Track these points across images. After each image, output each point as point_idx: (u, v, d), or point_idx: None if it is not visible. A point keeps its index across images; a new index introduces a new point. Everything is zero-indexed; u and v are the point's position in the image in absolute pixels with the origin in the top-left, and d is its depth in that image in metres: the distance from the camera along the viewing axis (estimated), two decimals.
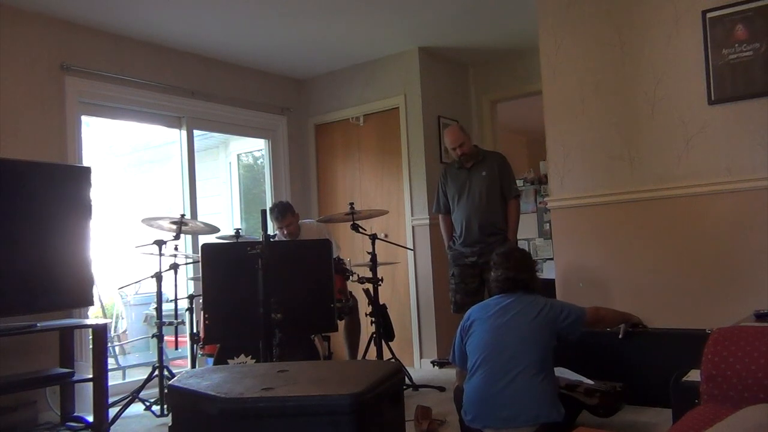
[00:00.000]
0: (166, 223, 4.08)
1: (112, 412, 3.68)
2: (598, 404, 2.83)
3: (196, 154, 5.07)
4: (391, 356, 4.32)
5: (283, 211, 4.39)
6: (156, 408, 3.87)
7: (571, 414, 2.76)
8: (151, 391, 4.00)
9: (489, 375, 2.65)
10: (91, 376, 3.58)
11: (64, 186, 3.71)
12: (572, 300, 3.76)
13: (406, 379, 4.13)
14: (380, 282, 4.18)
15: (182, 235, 4.19)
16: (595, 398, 2.83)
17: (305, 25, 4.52)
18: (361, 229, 4.22)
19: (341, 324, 4.26)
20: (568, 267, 3.82)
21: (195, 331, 4.10)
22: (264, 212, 2.90)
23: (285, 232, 4.37)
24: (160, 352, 3.95)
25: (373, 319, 4.14)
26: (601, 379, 3.05)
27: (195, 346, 4.06)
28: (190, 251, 4.77)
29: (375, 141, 5.46)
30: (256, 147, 6.18)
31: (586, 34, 3.75)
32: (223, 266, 3.21)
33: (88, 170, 3.86)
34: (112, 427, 3.60)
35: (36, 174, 3.62)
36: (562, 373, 3.03)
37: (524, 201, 5.69)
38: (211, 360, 3.89)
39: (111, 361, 5.05)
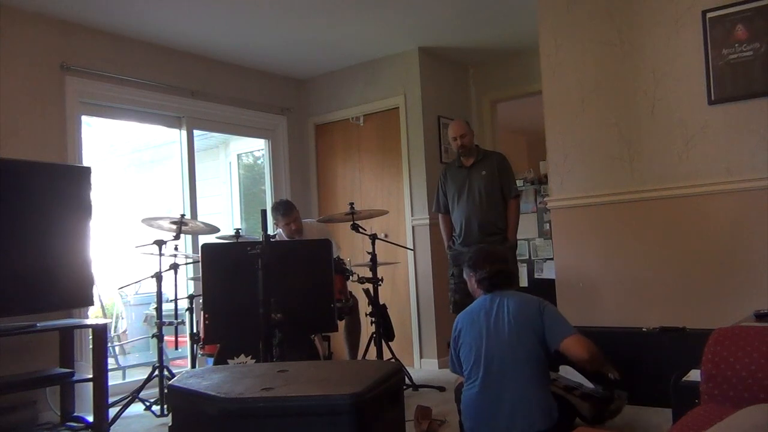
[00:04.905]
0: (166, 223, 4.08)
1: (112, 412, 3.68)
2: (589, 411, 2.75)
3: (196, 154, 5.07)
4: (391, 356, 4.32)
5: (289, 206, 4.41)
6: (156, 408, 3.87)
7: (569, 417, 2.74)
8: (151, 391, 4.00)
9: (481, 386, 2.63)
10: (91, 376, 3.58)
11: (64, 186, 3.71)
12: (572, 300, 3.78)
13: (406, 379, 4.13)
14: (380, 282, 4.18)
15: (182, 235, 4.19)
16: (587, 403, 2.79)
17: (305, 25, 4.51)
18: (361, 229, 4.22)
19: (341, 324, 4.26)
20: (568, 267, 3.82)
21: (195, 331, 4.10)
22: (264, 212, 2.90)
23: (293, 228, 4.37)
24: (160, 352, 3.95)
25: (373, 319, 4.14)
26: (603, 382, 3.01)
27: (195, 346, 4.06)
28: (190, 251, 4.77)
29: (375, 141, 5.46)
30: (256, 147, 6.18)
31: (586, 34, 3.75)
32: (223, 266, 3.21)
33: (88, 170, 3.86)
34: (112, 427, 3.60)
35: (36, 174, 3.62)
36: (566, 372, 3.02)
37: (524, 201, 5.68)
38: (211, 360, 3.88)
39: (111, 361, 5.05)
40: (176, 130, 5.03)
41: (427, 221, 5.03)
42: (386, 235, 5.03)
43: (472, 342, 2.70)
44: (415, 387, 4.18)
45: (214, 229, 4.33)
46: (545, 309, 2.67)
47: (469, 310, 2.83)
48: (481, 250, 2.96)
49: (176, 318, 4.10)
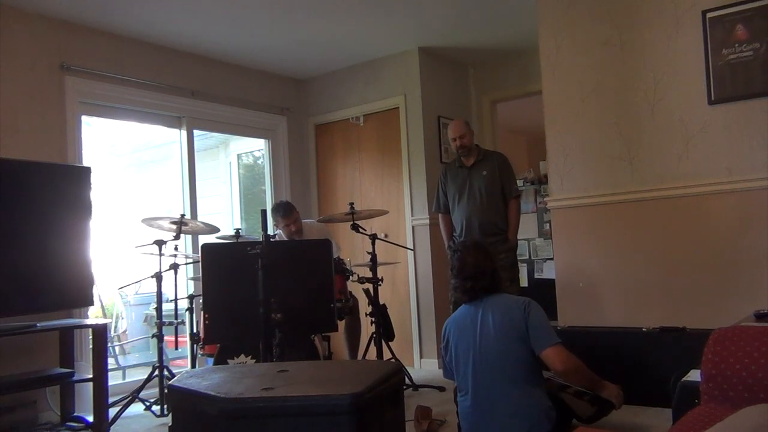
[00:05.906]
0: (166, 223, 4.08)
1: (112, 412, 3.68)
2: (583, 408, 2.74)
3: (196, 154, 5.07)
4: (391, 356, 4.32)
5: (289, 208, 4.41)
6: (156, 408, 3.87)
7: (565, 416, 2.73)
8: (151, 391, 4.00)
9: (474, 399, 2.63)
10: (91, 376, 3.58)
11: (64, 186, 3.71)
12: (572, 300, 3.78)
13: (406, 379, 4.12)
14: (380, 282, 4.18)
15: (182, 235, 4.19)
16: (583, 401, 2.78)
17: (305, 25, 4.51)
18: (361, 229, 4.22)
19: (341, 324, 4.26)
20: (568, 267, 3.82)
21: (195, 331, 4.10)
22: (264, 212, 2.90)
23: (293, 229, 4.37)
24: (160, 352, 3.95)
25: (373, 319, 4.14)
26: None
27: (195, 346, 4.06)
28: (190, 251, 4.77)
29: (375, 141, 5.46)
30: (256, 147, 6.18)
31: (586, 34, 3.75)
32: (223, 266, 3.21)
33: (88, 170, 3.86)
34: (112, 427, 3.60)
35: (36, 174, 3.62)
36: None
37: (524, 201, 5.69)
38: (211, 360, 3.88)
39: (111, 361, 5.05)
40: (176, 130, 5.03)
41: (427, 221, 5.03)
42: (386, 235, 5.03)
43: (460, 354, 2.71)
44: (415, 387, 4.18)
45: (214, 229, 4.33)
46: (529, 315, 2.61)
47: (455, 318, 2.83)
48: (459, 259, 2.81)
49: (176, 318, 4.10)
